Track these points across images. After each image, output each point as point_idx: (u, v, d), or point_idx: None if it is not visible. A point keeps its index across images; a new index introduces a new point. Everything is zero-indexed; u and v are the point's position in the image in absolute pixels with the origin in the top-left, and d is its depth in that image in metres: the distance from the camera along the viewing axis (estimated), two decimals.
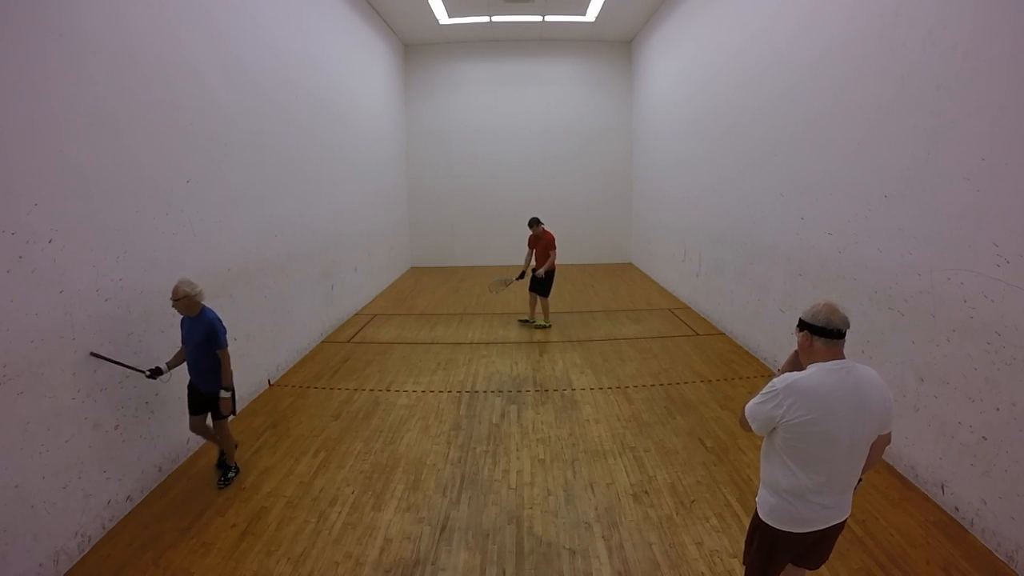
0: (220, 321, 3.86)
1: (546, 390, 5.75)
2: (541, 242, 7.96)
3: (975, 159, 3.34)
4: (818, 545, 2.30)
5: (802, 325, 2.14)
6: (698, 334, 7.70)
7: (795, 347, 2.23)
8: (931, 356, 3.72)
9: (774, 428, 2.10)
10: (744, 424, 2.22)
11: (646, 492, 3.86)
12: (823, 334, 2.07)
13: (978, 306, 3.34)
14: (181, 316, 3.85)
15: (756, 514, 2.30)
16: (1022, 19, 3.03)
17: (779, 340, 5.95)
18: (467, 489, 3.95)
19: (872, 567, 3.08)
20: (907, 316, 3.94)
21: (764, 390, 2.11)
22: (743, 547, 2.48)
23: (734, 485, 3.92)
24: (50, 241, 3.18)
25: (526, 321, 8.30)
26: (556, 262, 7.96)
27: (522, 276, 8.18)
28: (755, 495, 2.34)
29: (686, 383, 5.86)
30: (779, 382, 2.08)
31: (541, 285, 8.00)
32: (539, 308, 8.20)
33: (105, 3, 3.67)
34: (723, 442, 4.54)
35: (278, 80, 6.39)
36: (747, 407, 2.17)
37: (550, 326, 8.10)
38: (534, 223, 8.02)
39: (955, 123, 3.50)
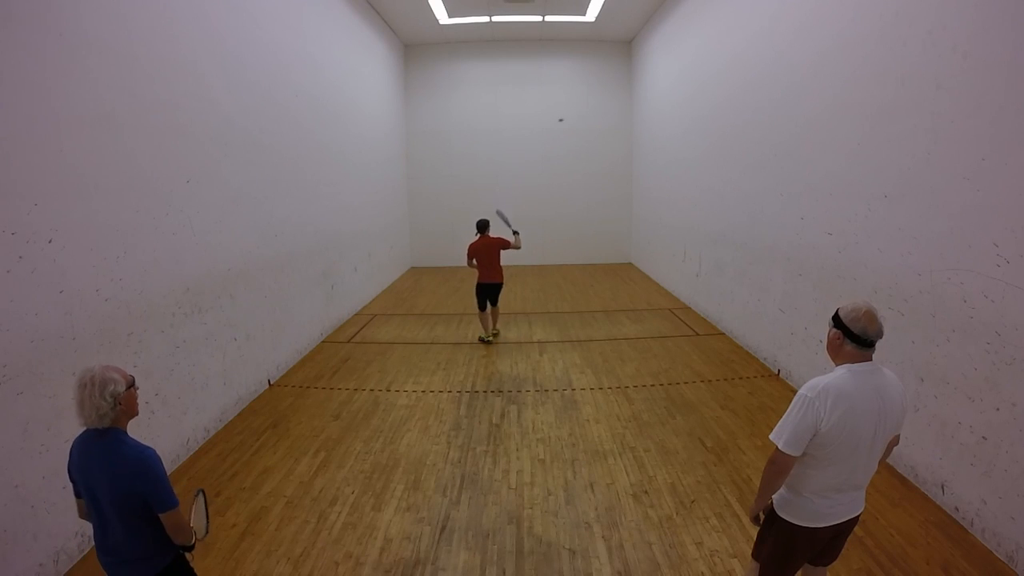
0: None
1: (546, 390, 5.75)
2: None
3: (975, 159, 3.34)
4: (834, 541, 2.31)
5: (838, 323, 2.11)
6: (698, 334, 7.70)
7: (825, 342, 2.19)
8: (931, 356, 3.72)
9: (813, 435, 2.05)
10: (777, 460, 2.10)
11: (646, 492, 3.86)
12: (856, 341, 2.06)
13: (978, 306, 3.34)
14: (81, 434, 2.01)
15: (772, 508, 2.29)
16: (1022, 19, 3.03)
17: (779, 340, 5.95)
18: (467, 489, 3.95)
19: (872, 567, 3.08)
20: (907, 316, 3.94)
21: (793, 405, 2.08)
22: (753, 541, 2.48)
23: (734, 485, 3.92)
24: (50, 241, 3.18)
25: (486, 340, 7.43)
26: (522, 252, 7.81)
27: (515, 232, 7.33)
28: (755, 495, 2.34)
29: (686, 383, 5.86)
30: (808, 390, 2.06)
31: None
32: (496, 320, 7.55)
33: (105, 3, 3.67)
34: (723, 442, 4.54)
35: (278, 80, 6.39)
36: (778, 430, 2.09)
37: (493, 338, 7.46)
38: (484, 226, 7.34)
39: (955, 123, 3.50)
